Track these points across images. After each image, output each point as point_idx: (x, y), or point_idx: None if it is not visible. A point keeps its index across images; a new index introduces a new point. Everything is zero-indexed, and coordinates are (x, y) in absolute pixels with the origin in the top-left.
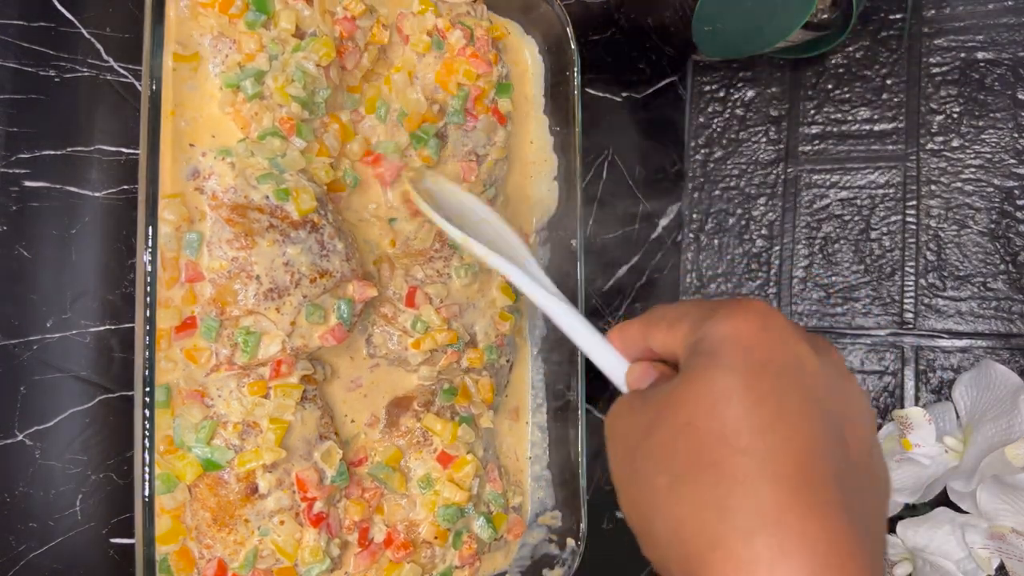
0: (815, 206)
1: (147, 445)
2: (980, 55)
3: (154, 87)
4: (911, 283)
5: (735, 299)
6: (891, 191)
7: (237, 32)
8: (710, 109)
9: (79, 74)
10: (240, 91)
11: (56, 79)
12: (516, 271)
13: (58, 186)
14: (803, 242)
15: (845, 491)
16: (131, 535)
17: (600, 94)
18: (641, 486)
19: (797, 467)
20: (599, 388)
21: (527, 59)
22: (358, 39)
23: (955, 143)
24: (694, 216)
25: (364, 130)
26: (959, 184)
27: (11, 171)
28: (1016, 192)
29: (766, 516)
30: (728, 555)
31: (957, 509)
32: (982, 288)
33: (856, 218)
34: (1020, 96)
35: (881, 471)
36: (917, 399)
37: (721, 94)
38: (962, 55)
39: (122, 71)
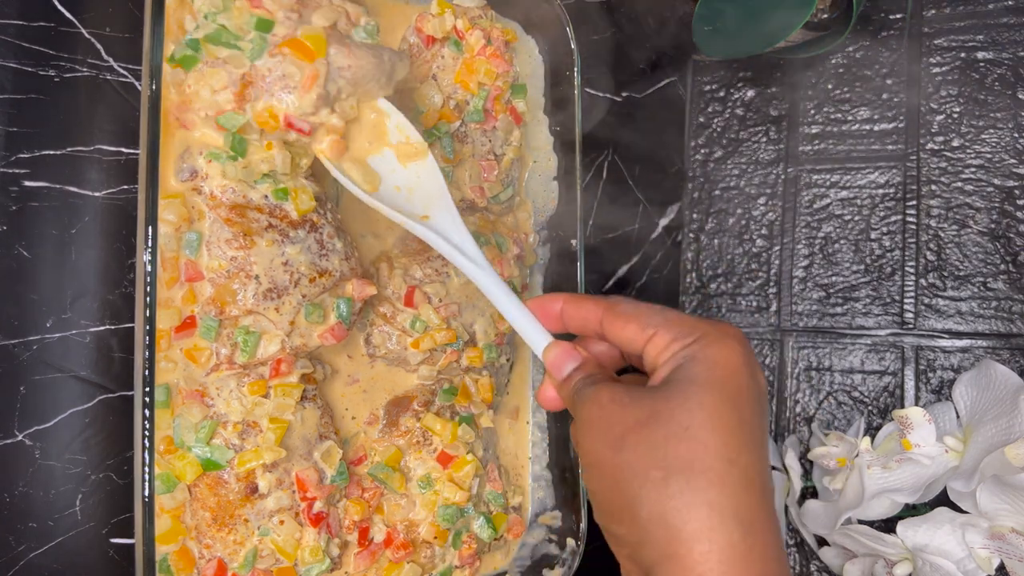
0: (815, 206)
1: (147, 445)
2: (980, 55)
3: (154, 87)
4: (911, 283)
5: (716, 323)
6: (891, 191)
7: None
8: (710, 109)
9: (79, 74)
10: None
11: (56, 79)
12: (430, 233)
13: (58, 186)
14: (803, 242)
15: (770, 501)
16: (131, 535)
17: (600, 94)
18: (629, 474)
19: (762, 481)
20: None
21: (527, 59)
22: None
23: (955, 143)
24: (694, 216)
25: None
26: (959, 184)
27: (11, 171)
28: (1016, 192)
29: (743, 517)
30: (712, 545)
31: (957, 509)
32: (982, 288)
33: (856, 218)
34: (1020, 96)
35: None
36: (917, 399)
37: (721, 94)
38: (962, 55)
39: (122, 71)
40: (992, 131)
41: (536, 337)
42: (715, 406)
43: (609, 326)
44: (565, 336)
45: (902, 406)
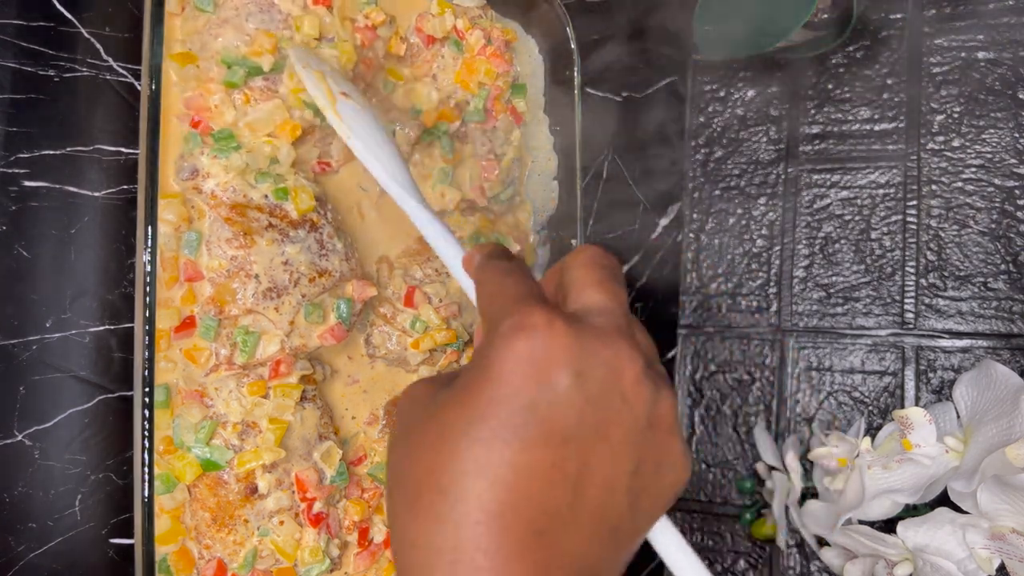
0: (815, 206)
1: (147, 445)
2: (980, 55)
3: (154, 87)
4: (912, 283)
5: (522, 311)
6: (891, 191)
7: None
8: (710, 109)
9: (79, 74)
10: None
11: (56, 79)
12: (384, 175)
13: (58, 186)
14: (803, 242)
15: (547, 538)
16: (131, 535)
17: (600, 94)
18: (386, 490)
19: (491, 513)
20: None
21: (527, 59)
22: (377, 49)
23: (956, 143)
24: (694, 216)
25: None
26: (960, 184)
27: (11, 171)
28: (1017, 192)
29: (445, 556)
30: None
31: (958, 509)
32: (983, 288)
33: (856, 218)
34: (1020, 96)
35: (624, 519)
36: (918, 399)
37: (721, 94)
38: (962, 55)
39: (122, 71)
40: (992, 131)
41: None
42: (448, 423)
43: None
44: None
45: (902, 406)
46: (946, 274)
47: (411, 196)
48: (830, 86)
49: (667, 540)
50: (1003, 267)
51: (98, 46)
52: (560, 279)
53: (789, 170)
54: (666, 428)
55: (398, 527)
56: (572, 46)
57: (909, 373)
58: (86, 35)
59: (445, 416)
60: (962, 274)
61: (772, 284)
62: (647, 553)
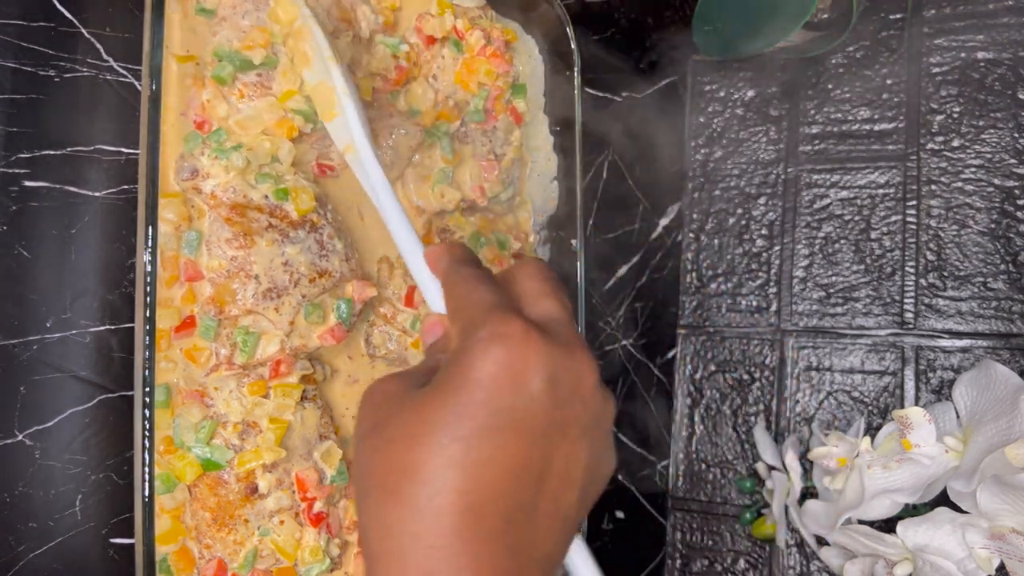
0: (815, 206)
1: (147, 445)
2: (980, 55)
3: (154, 87)
4: (911, 283)
5: (499, 320)
6: (891, 191)
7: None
8: (710, 109)
9: (79, 74)
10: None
11: (56, 79)
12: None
13: (58, 186)
14: (803, 242)
15: (515, 526)
16: (131, 535)
17: (600, 94)
18: (353, 476)
19: (469, 503)
20: None
21: (527, 59)
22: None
23: (955, 143)
24: (694, 216)
25: None
26: (959, 184)
27: (11, 171)
28: (1016, 192)
29: (423, 541)
30: (385, 571)
31: (957, 509)
32: (982, 288)
33: (856, 218)
34: (1020, 96)
35: (573, 509)
36: (917, 399)
37: (721, 94)
38: (962, 55)
39: (122, 71)
40: (992, 131)
41: (430, 292)
42: (429, 419)
43: (446, 296)
44: None
45: (902, 406)
46: (946, 274)
47: (382, 173)
48: (830, 86)
49: (577, 552)
50: (1003, 267)
51: (98, 46)
52: (511, 289)
53: (789, 170)
54: (607, 428)
55: (373, 513)
56: (572, 46)
57: (909, 373)
58: (86, 35)
59: (426, 413)
60: (962, 274)
61: (772, 284)
62: (647, 553)
